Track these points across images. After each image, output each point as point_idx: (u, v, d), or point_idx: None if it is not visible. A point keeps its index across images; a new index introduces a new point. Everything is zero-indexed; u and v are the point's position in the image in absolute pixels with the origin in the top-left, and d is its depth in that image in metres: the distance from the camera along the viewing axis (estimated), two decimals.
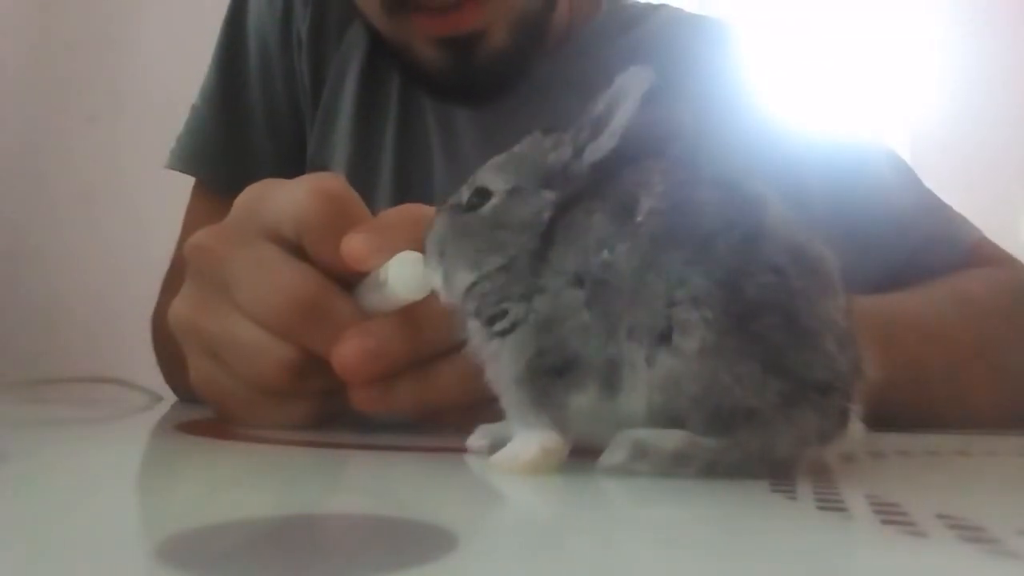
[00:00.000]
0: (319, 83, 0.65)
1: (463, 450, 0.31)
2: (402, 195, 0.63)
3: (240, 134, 0.66)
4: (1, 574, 0.14)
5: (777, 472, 0.25)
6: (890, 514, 0.20)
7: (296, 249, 0.36)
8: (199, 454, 0.31)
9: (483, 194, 0.29)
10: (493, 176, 0.29)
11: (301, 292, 0.35)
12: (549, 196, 0.28)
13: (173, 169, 0.66)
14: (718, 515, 0.21)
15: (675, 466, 0.25)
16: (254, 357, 0.35)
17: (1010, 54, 1.95)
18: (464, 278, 0.28)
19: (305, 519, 0.19)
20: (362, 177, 0.63)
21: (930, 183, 0.65)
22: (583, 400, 0.26)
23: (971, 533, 0.18)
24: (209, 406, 0.40)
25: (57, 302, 1.28)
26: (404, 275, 0.32)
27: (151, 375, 0.61)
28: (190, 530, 0.17)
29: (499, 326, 0.27)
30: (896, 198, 0.62)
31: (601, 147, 0.27)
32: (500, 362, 0.27)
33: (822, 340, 0.25)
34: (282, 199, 0.36)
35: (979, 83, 1.95)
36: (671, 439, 0.25)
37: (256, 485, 0.25)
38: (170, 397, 0.59)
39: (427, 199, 0.62)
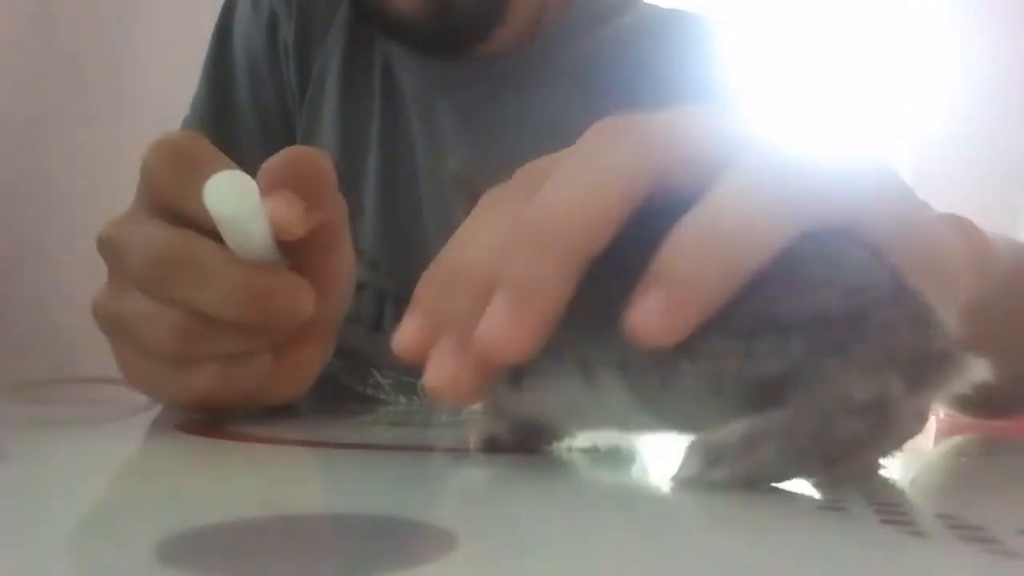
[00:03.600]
0: (306, 87, 0.66)
1: (464, 450, 0.31)
2: (388, 187, 0.64)
3: (232, 145, 0.66)
4: (1, 574, 0.14)
5: (870, 420, 0.22)
6: (890, 514, 0.20)
7: (171, 213, 0.36)
8: (199, 454, 0.31)
9: None
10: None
11: (161, 248, 0.34)
12: None
13: None
14: (715, 513, 0.21)
15: (751, 453, 0.22)
16: (146, 327, 0.35)
17: (1012, 59, 1.95)
18: None
19: (305, 519, 0.19)
20: (349, 173, 0.63)
21: (931, 187, 0.65)
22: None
23: (971, 533, 0.18)
24: (142, 392, 0.41)
25: (57, 302, 1.28)
26: (222, 193, 0.31)
27: None
28: (190, 530, 0.17)
29: None
30: None
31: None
32: None
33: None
34: (141, 170, 0.37)
35: (979, 86, 1.95)
36: (737, 428, 0.23)
37: (256, 485, 0.25)
38: None
39: (413, 189, 0.63)
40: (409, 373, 0.64)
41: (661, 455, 0.34)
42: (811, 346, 0.22)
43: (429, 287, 0.26)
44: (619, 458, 0.31)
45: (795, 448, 0.22)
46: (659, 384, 0.23)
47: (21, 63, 1.32)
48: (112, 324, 0.38)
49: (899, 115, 2.02)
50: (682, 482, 0.23)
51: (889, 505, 0.21)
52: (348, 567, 0.15)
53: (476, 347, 0.23)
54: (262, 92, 0.67)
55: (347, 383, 0.63)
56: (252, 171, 0.70)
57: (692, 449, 0.23)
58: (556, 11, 0.67)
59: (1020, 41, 1.96)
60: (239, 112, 0.67)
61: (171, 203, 0.35)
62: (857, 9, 2.06)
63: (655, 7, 0.72)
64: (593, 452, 0.30)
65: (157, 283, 0.35)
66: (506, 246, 0.23)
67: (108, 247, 0.38)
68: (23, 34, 1.33)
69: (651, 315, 0.21)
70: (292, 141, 0.67)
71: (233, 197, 0.31)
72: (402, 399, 0.63)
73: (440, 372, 0.24)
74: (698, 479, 0.23)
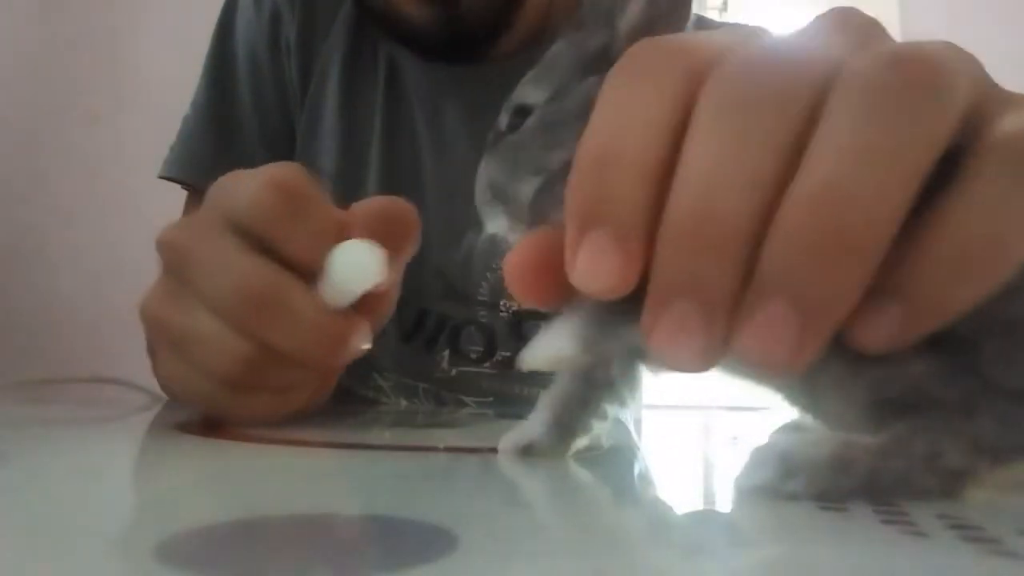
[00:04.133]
0: (307, 85, 0.66)
1: (462, 450, 0.31)
2: (391, 186, 0.63)
3: (232, 142, 0.66)
4: (1, 574, 0.14)
5: (946, 484, 0.22)
6: (890, 514, 0.20)
7: (261, 242, 0.36)
8: (199, 454, 0.31)
9: (521, 111, 0.27)
10: (530, 90, 0.27)
11: (253, 284, 0.34)
12: (592, 80, 0.25)
13: (165, 178, 0.66)
14: (714, 513, 0.21)
15: (832, 478, 0.22)
16: (211, 350, 0.35)
17: (1013, 58, 1.95)
18: (530, 185, 0.26)
19: (305, 519, 0.19)
20: (350, 172, 0.63)
21: None
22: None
23: (971, 533, 0.18)
24: (176, 400, 0.40)
25: (57, 302, 1.28)
26: (349, 264, 0.31)
27: (151, 375, 0.61)
28: (190, 530, 0.17)
29: None
30: None
31: (632, 12, 0.25)
32: None
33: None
34: (238, 191, 0.36)
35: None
36: (823, 444, 0.22)
37: (256, 485, 0.25)
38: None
39: (417, 189, 0.63)
40: (408, 376, 0.64)
41: (659, 454, 0.34)
42: (961, 389, 0.22)
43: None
44: (620, 457, 0.31)
45: (874, 482, 0.22)
46: None
47: (21, 63, 1.32)
48: (167, 333, 0.37)
49: None
50: (749, 490, 0.22)
51: (889, 505, 0.21)
52: (348, 567, 0.15)
53: (748, 360, 0.20)
54: (263, 89, 0.67)
55: (348, 385, 0.63)
56: (250, 165, 0.70)
57: (762, 456, 0.22)
58: (562, 12, 0.68)
59: (1021, 40, 1.96)
60: (239, 109, 0.67)
61: (271, 239, 0.35)
62: (860, 6, 2.06)
63: None
64: (597, 451, 0.30)
65: (240, 315, 0.34)
66: (787, 248, 0.19)
67: (175, 254, 0.37)
68: (23, 34, 1.33)
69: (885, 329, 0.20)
70: (292, 139, 0.67)
71: (363, 271, 0.31)
72: (403, 402, 0.63)
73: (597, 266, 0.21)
74: (770, 489, 0.22)
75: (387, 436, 0.37)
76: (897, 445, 0.22)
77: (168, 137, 0.68)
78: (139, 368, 0.62)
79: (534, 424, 0.28)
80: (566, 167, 0.22)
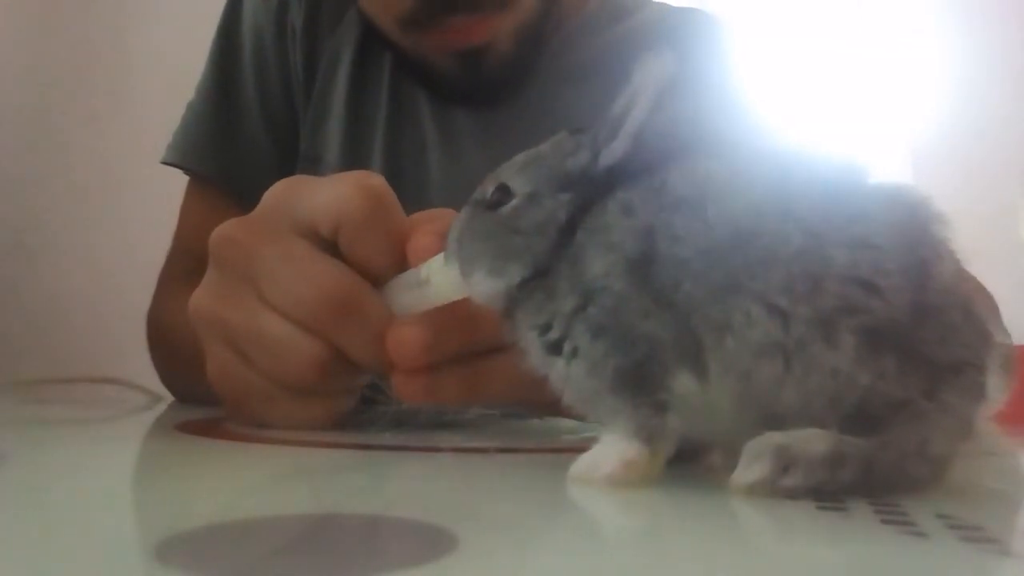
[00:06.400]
0: (312, 75, 0.66)
1: (464, 450, 0.31)
2: (395, 186, 0.63)
3: (236, 128, 0.66)
4: (1, 573, 0.14)
5: (936, 469, 0.23)
6: (890, 514, 0.20)
7: (327, 247, 0.35)
8: (199, 454, 0.31)
9: (505, 192, 0.28)
10: (516, 176, 0.28)
11: (335, 288, 0.34)
12: (564, 198, 0.27)
13: (168, 163, 0.66)
14: (714, 512, 0.21)
15: (829, 472, 0.22)
16: (282, 352, 0.35)
17: (1011, 57, 1.96)
18: (482, 281, 0.28)
19: (304, 519, 0.19)
20: (353, 165, 0.63)
21: (931, 187, 0.65)
22: (683, 384, 0.24)
23: (971, 533, 0.18)
24: (225, 402, 0.39)
25: (57, 302, 1.28)
26: (448, 275, 0.31)
27: (151, 375, 0.61)
28: (190, 530, 0.17)
29: (566, 348, 0.25)
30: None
31: (615, 151, 0.27)
32: (576, 381, 0.26)
33: (947, 314, 0.23)
34: (323, 194, 0.36)
35: (979, 84, 1.95)
36: (818, 440, 0.22)
37: (255, 485, 0.25)
38: (170, 397, 0.59)
39: (422, 189, 0.63)
40: None
41: None
42: (927, 383, 0.23)
43: None
44: None
45: (868, 475, 0.22)
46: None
47: (22, 62, 1.32)
48: (224, 333, 0.37)
49: (898, 113, 2.02)
50: (747, 487, 0.22)
51: (889, 505, 0.21)
52: (348, 567, 0.15)
53: None
54: (267, 75, 0.67)
55: None
56: (253, 151, 0.69)
57: (757, 451, 0.22)
58: (573, 12, 0.68)
59: (1021, 38, 1.96)
60: (244, 95, 0.67)
61: (351, 243, 0.35)
62: (860, 6, 2.06)
63: (667, 6, 0.72)
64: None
65: (317, 319, 0.34)
66: None
67: (237, 252, 0.36)
68: (24, 34, 1.33)
69: None
70: (294, 125, 0.67)
71: (457, 283, 0.31)
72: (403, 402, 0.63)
73: None
74: (767, 485, 0.22)
75: (387, 436, 0.37)
76: (889, 439, 0.23)
77: (165, 138, 0.68)
78: (139, 368, 0.62)
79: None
80: (523, 282, 0.27)
